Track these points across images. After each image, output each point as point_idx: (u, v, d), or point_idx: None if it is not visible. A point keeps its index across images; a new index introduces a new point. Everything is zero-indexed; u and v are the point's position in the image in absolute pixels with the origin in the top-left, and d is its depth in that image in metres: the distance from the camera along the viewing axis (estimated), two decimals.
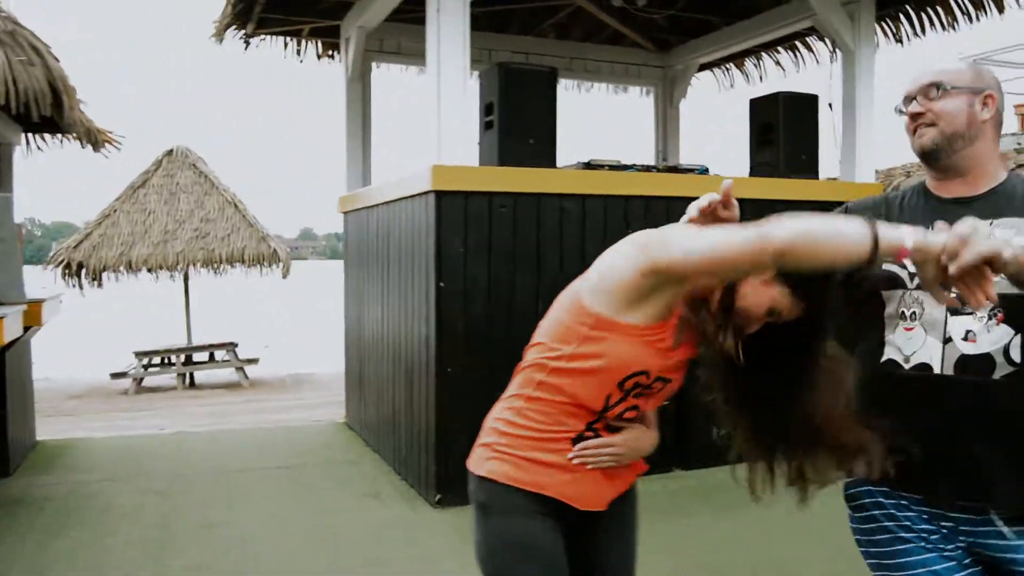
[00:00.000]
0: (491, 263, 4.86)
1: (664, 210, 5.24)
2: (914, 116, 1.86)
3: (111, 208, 11.03)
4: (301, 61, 7.41)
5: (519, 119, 4.98)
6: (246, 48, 7.10)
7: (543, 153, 5.04)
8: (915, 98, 1.86)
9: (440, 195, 4.74)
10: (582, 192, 5.06)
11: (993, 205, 1.80)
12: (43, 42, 4.43)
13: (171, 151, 11.75)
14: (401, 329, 5.41)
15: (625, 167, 5.44)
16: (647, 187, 5.23)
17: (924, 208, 1.90)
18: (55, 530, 4.35)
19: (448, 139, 4.78)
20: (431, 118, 4.79)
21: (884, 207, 1.99)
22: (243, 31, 6.85)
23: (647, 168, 5.52)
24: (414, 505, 4.85)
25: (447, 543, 4.17)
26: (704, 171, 5.63)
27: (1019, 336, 1.72)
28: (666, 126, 7.82)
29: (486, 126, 5.11)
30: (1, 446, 5.12)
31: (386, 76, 7.54)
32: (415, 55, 6.84)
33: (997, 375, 1.72)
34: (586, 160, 5.41)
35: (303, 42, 7.34)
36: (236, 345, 12.28)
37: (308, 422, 7.70)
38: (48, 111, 4.37)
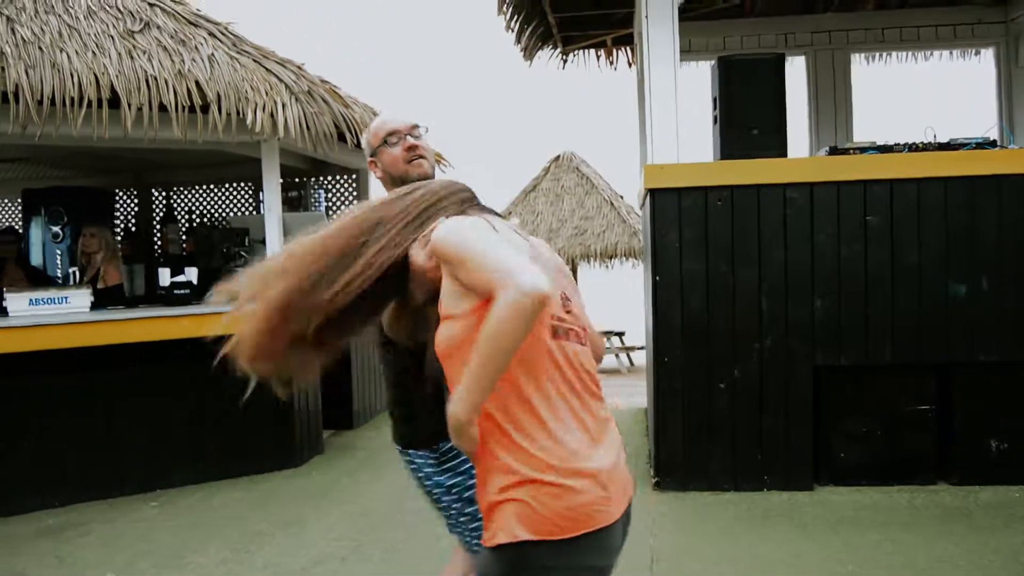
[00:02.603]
0: (708, 257, 4.91)
1: (914, 192, 4.74)
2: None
3: (505, 211, 12.77)
4: (615, 69, 7.96)
5: (741, 111, 4.93)
6: (564, 65, 7.87)
7: (768, 143, 4.91)
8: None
9: (654, 193, 4.96)
10: (808, 180, 4.81)
11: None
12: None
13: (559, 156, 13.10)
14: (648, 322, 5.68)
15: (885, 148, 4.98)
16: (890, 170, 4.76)
17: None
18: (364, 469, 5.61)
19: (661, 137, 4.97)
20: (647, 117, 5.02)
21: None
22: (557, 49, 7.64)
23: (913, 147, 4.97)
24: (637, 486, 5.13)
25: (656, 525, 4.40)
26: (987, 144, 4.88)
27: None
28: (1011, 90, 6.66)
29: (713, 120, 5.15)
30: (347, 406, 6.65)
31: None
32: (702, 51, 6.95)
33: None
34: (836, 145, 5.10)
35: (613, 52, 7.87)
36: (623, 333, 13.23)
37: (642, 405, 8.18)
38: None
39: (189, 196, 7.75)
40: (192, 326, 5.17)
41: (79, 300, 5.07)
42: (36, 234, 6.96)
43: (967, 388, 4.84)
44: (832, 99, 7.07)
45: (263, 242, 5.65)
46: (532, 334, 1.46)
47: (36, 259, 6.94)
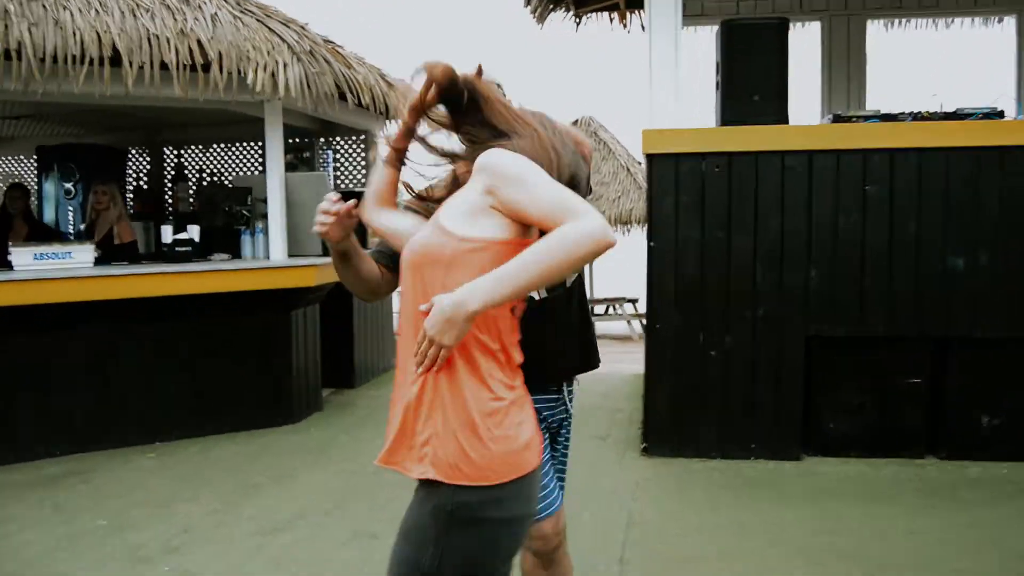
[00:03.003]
0: (704, 224, 4.89)
1: (915, 162, 4.67)
2: None
3: None
4: (628, 32, 7.87)
5: (742, 76, 4.86)
6: (577, 28, 7.80)
7: (769, 109, 4.84)
8: None
9: (652, 158, 4.93)
10: (807, 148, 4.76)
11: None
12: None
13: (576, 121, 13.00)
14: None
15: (889, 116, 4.90)
16: (892, 139, 4.69)
17: None
18: (363, 427, 5.71)
19: (660, 102, 4.93)
20: (644, 81, 4.98)
21: None
22: (570, 12, 7.57)
23: (917, 116, 4.88)
24: (625, 450, 5.19)
25: (639, 489, 4.45)
26: (994, 114, 4.78)
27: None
28: None
29: (716, 86, 5.09)
30: (348, 365, 6.75)
31: (692, 38, 7.59)
32: (715, 15, 6.83)
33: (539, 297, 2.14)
34: (840, 113, 5.02)
35: (627, 14, 7.77)
36: (636, 300, 13.20)
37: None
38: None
39: (200, 155, 7.83)
40: (193, 282, 5.28)
41: (82, 255, 5.17)
42: (50, 190, 7.08)
43: (962, 362, 4.81)
44: (846, 66, 6.94)
45: (264, 201, 5.71)
46: None
47: (49, 215, 7.06)
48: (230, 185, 6.86)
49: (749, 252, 4.84)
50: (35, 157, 7.40)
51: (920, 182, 4.69)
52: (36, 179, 7.45)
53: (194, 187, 7.10)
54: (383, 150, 1.90)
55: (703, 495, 4.35)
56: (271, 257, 5.67)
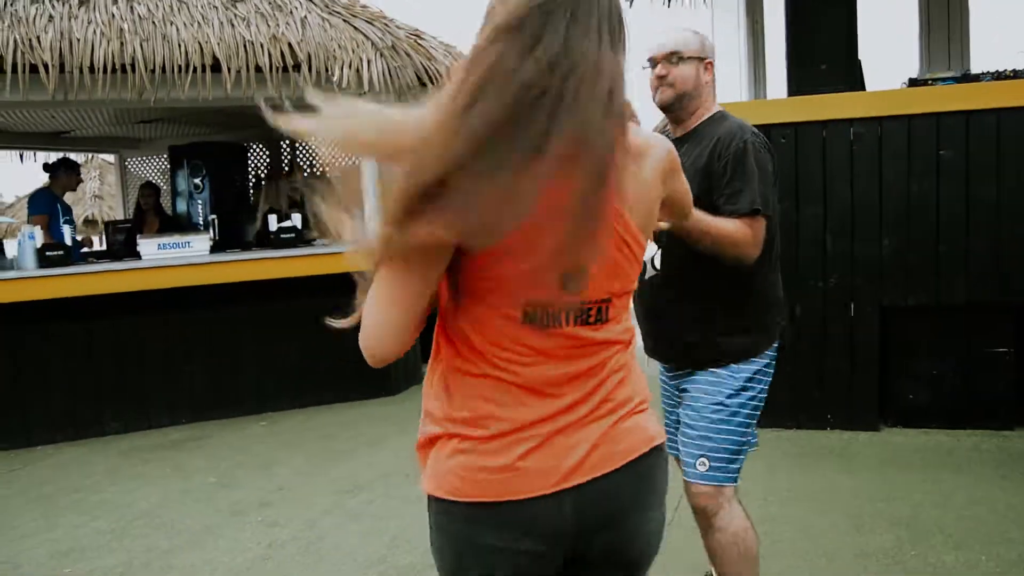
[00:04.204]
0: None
1: (993, 124, 4.50)
2: (659, 78, 2.33)
3: None
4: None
5: (808, 44, 4.83)
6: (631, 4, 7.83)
7: (838, 78, 4.79)
8: (659, 62, 2.33)
9: None
10: (876, 115, 4.67)
11: (689, 144, 2.35)
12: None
13: None
14: None
15: (969, 77, 4.74)
16: (966, 100, 4.53)
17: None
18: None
19: (725, 75, 4.96)
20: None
21: None
22: None
23: (998, 75, 4.70)
24: None
25: None
26: None
27: (660, 251, 2.35)
28: None
29: (786, 56, 5.06)
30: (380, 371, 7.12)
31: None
32: None
33: (647, 276, 2.38)
34: (917, 76, 4.90)
35: None
36: None
37: None
38: None
39: (313, 148, 8.40)
40: (295, 266, 5.78)
41: (200, 244, 5.77)
42: (181, 186, 7.83)
43: None
44: (946, 28, 6.64)
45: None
46: None
47: (181, 208, 7.82)
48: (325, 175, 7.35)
49: (819, 222, 4.82)
50: (167, 156, 8.18)
51: (998, 144, 4.52)
52: (169, 176, 8.25)
53: (293, 180, 7.65)
54: None
55: (764, 462, 4.41)
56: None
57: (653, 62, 2.33)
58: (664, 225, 1.95)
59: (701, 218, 2.10)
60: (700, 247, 2.18)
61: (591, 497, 1.23)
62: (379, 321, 1.16)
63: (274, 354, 5.94)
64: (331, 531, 3.78)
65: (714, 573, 2.53)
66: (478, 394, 1.22)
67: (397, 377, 6.30)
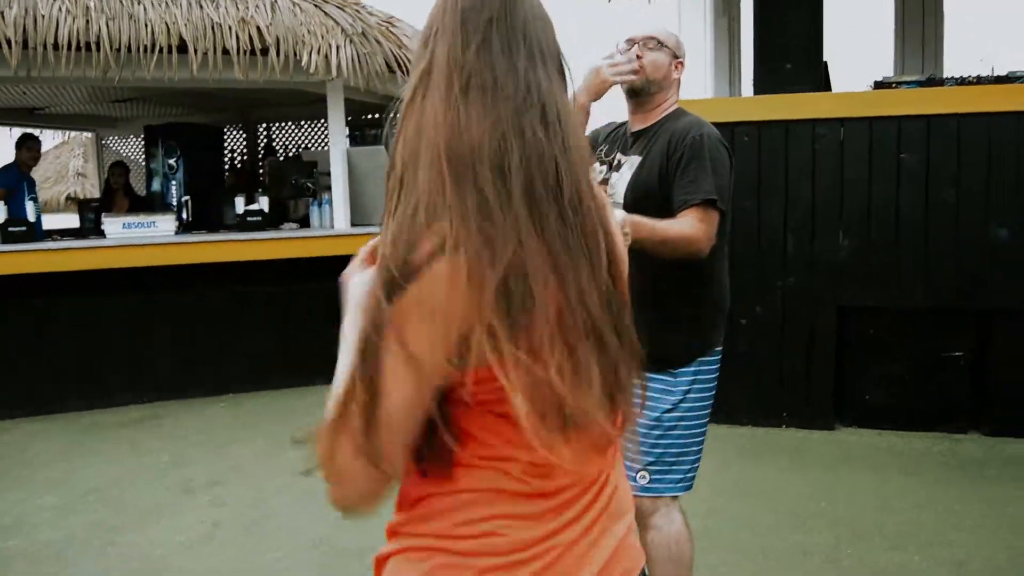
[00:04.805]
0: (734, 194, 4.89)
1: (954, 129, 4.53)
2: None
3: None
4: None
5: (774, 44, 4.84)
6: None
7: (803, 78, 4.81)
8: (637, 44, 2.32)
9: None
10: (839, 116, 4.69)
11: (646, 138, 2.35)
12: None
13: None
14: None
15: (933, 81, 4.77)
16: (928, 105, 4.56)
17: (619, 138, 2.44)
18: None
19: (690, 72, 4.96)
20: None
21: (598, 135, 2.51)
22: None
23: (962, 81, 4.72)
24: None
25: None
26: None
27: None
28: None
29: (753, 56, 5.07)
30: None
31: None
32: None
33: None
34: (881, 79, 4.92)
35: None
36: None
37: None
38: None
39: (288, 132, 8.39)
40: (261, 249, 5.77)
41: (165, 224, 5.76)
42: (155, 166, 7.80)
43: (1007, 336, 4.64)
44: (920, 31, 6.66)
45: (328, 174, 6.14)
46: None
47: (156, 188, 7.78)
48: (297, 158, 7.34)
49: (780, 222, 4.84)
50: (143, 136, 8.15)
51: (959, 149, 4.54)
52: (144, 156, 8.22)
53: (262, 163, 7.64)
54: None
55: (717, 458, 4.43)
56: (335, 226, 6.10)
57: (631, 43, 2.33)
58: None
59: (655, 227, 2.09)
60: (657, 255, 2.13)
61: None
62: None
63: (238, 337, 5.94)
64: (278, 511, 3.80)
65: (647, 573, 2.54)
66: None
67: None
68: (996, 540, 3.35)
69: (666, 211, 2.19)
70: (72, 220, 8.16)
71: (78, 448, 4.81)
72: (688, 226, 2.16)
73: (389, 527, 1.05)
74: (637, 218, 1.94)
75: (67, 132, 10.14)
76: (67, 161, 13.78)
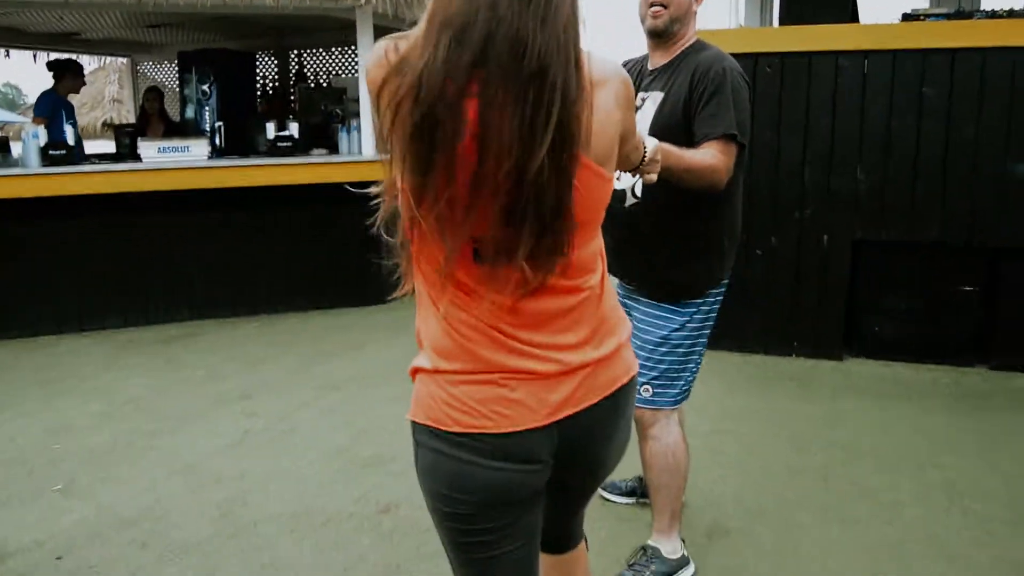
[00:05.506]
0: (754, 124, 4.90)
1: (979, 64, 4.50)
2: (654, 3, 2.40)
3: None
4: None
5: None
6: None
7: (831, 9, 4.78)
8: None
9: None
10: (862, 48, 4.67)
11: (668, 73, 2.43)
12: None
13: None
14: None
15: (962, 14, 4.71)
16: (953, 38, 4.52)
17: (639, 75, 2.55)
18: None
19: (715, 3, 4.96)
20: None
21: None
22: None
23: (994, 15, 4.66)
24: None
25: None
26: None
27: (639, 179, 2.34)
28: None
29: None
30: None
31: None
32: None
33: (627, 204, 2.45)
34: (910, 11, 4.86)
35: None
36: None
37: None
38: None
39: (319, 58, 8.45)
40: (291, 174, 5.93)
41: (199, 149, 5.92)
42: (189, 92, 7.94)
43: (1019, 274, 4.69)
44: None
45: (357, 100, 6.23)
46: None
47: (189, 114, 7.94)
48: (326, 85, 7.40)
49: (799, 153, 4.87)
50: (176, 62, 8.27)
51: (982, 83, 4.52)
52: (178, 82, 8.36)
53: (293, 89, 7.71)
54: None
55: (727, 384, 4.59)
56: (363, 152, 6.22)
57: None
58: (653, 178, 1.93)
59: (683, 156, 2.15)
60: (681, 184, 2.20)
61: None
62: None
63: (271, 259, 6.15)
64: (303, 423, 4.04)
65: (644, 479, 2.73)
66: None
67: (389, 287, 6.47)
68: (990, 466, 3.48)
69: (689, 144, 2.26)
70: (108, 145, 8.35)
71: (118, 362, 5.09)
72: (711, 156, 2.24)
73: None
74: (666, 146, 2.02)
75: (103, 58, 10.27)
76: (103, 87, 13.97)
